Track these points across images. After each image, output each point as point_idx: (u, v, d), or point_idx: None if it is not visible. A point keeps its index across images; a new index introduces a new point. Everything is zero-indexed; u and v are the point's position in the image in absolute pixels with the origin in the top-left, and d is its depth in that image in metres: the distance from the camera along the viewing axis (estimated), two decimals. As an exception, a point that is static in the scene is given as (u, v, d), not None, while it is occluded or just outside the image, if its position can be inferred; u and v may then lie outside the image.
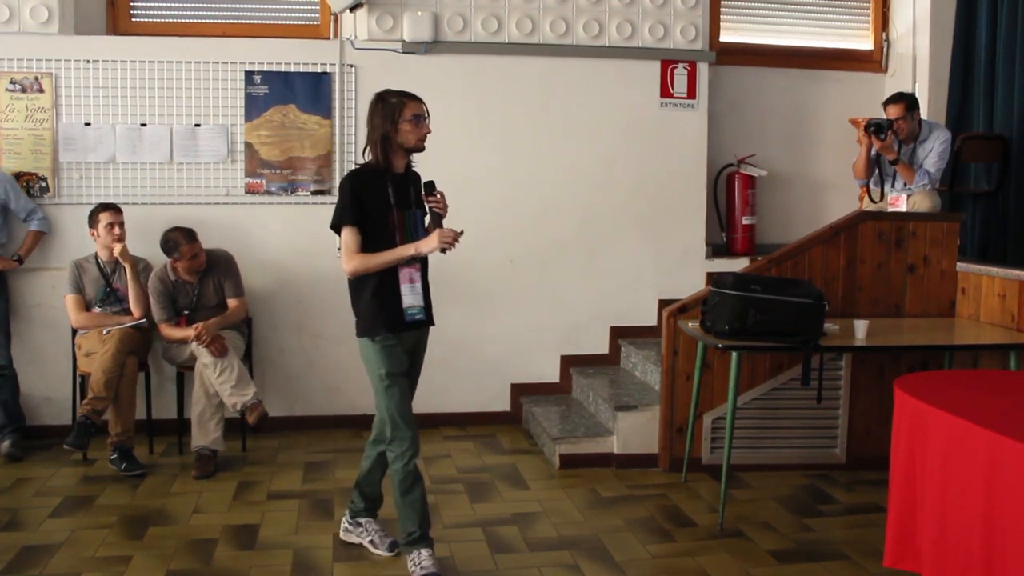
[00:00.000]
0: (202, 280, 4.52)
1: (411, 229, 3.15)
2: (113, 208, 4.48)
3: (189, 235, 4.43)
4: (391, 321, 3.11)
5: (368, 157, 3.16)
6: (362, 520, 3.41)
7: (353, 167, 3.25)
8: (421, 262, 3.18)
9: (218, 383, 4.20)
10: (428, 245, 3.07)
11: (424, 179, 3.21)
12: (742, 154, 5.54)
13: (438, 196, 3.15)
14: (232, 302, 4.56)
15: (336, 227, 3.16)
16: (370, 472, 3.39)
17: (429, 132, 3.14)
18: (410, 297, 3.13)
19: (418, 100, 3.13)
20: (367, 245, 3.10)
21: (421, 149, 3.15)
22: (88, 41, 4.77)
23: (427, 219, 3.23)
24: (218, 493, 3.97)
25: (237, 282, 4.62)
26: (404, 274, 3.12)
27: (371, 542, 3.34)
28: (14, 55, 4.68)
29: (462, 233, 3.07)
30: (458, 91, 4.99)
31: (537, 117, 5.12)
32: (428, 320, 3.23)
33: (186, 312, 4.46)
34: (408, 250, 3.09)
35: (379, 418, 3.27)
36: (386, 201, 3.11)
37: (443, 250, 3.06)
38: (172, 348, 4.47)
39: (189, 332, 4.32)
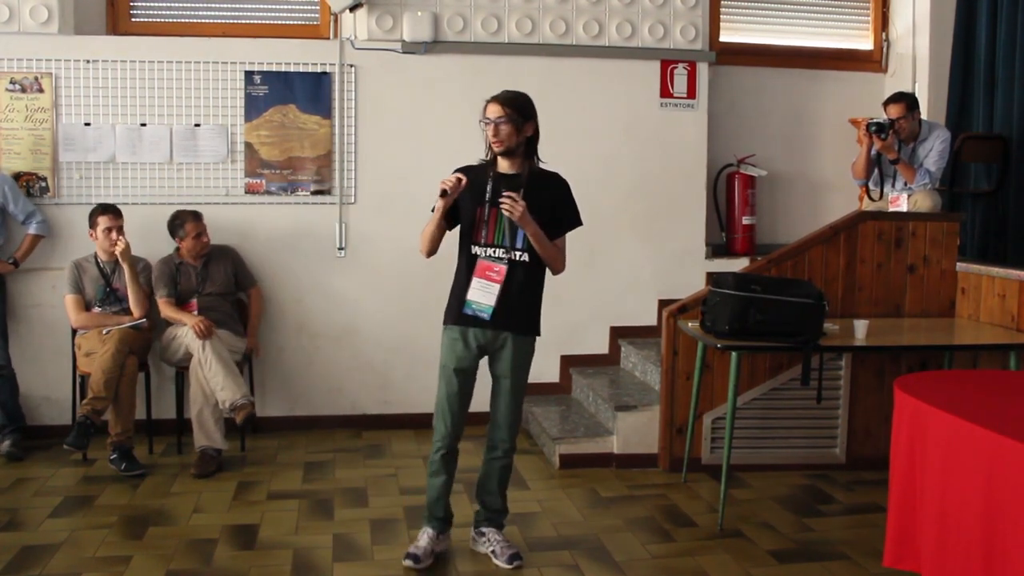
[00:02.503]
0: (207, 265, 4.59)
1: (503, 227, 3.13)
2: (112, 212, 4.45)
3: (195, 215, 4.57)
4: (455, 312, 3.18)
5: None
6: (485, 530, 3.34)
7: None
8: (509, 265, 3.12)
9: (210, 377, 4.20)
10: (439, 200, 3.09)
11: (566, 184, 3.22)
12: (742, 154, 5.54)
13: (508, 196, 3.04)
14: (253, 292, 4.80)
15: None
16: (486, 479, 3.35)
17: (497, 135, 3.09)
18: (477, 292, 3.13)
19: (495, 101, 3.11)
20: (460, 234, 3.22)
21: (497, 152, 3.14)
22: (88, 41, 4.77)
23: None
24: (218, 493, 3.97)
25: (248, 272, 4.80)
26: (480, 268, 3.14)
27: (492, 552, 3.27)
28: (14, 55, 4.68)
29: (460, 181, 3.07)
30: (458, 91, 4.99)
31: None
32: (500, 324, 3.14)
33: (196, 297, 4.50)
34: (435, 212, 3.13)
35: (490, 423, 3.31)
36: (481, 196, 3.15)
37: (443, 192, 3.06)
38: (168, 347, 4.46)
39: (185, 316, 4.35)
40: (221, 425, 4.28)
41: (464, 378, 3.23)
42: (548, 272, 3.27)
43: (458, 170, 3.18)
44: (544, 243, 3.13)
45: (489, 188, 3.14)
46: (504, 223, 3.12)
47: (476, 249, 3.17)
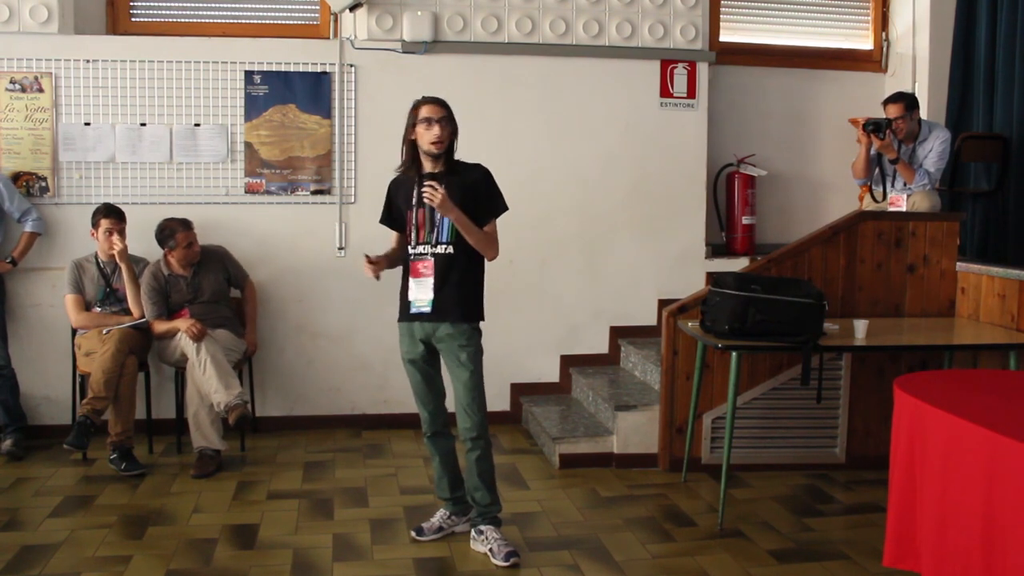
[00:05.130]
0: (197, 274, 4.54)
1: (433, 225, 3.27)
2: (115, 216, 4.44)
3: (185, 224, 4.48)
4: (402, 310, 3.37)
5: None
6: (483, 528, 3.37)
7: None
8: (435, 258, 3.27)
9: (205, 379, 4.19)
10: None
11: (486, 172, 3.33)
12: (742, 154, 5.54)
13: (428, 184, 3.16)
14: (247, 287, 4.77)
15: None
16: (468, 474, 3.41)
17: (438, 135, 3.19)
18: (416, 291, 3.30)
19: (432, 103, 3.23)
20: (400, 240, 3.43)
21: (432, 153, 3.22)
22: (88, 41, 4.77)
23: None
24: (218, 493, 3.97)
25: (240, 269, 4.76)
26: (414, 268, 3.30)
27: (490, 550, 3.29)
28: (14, 55, 4.68)
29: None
30: (458, 91, 4.91)
31: (537, 117, 5.12)
32: (437, 315, 3.27)
33: (187, 304, 4.47)
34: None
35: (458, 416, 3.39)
36: (409, 201, 3.31)
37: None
38: (166, 349, 4.45)
39: (176, 324, 4.33)
40: (218, 426, 4.27)
41: (417, 367, 3.38)
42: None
43: (391, 184, 3.39)
44: (470, 229, 3.24)
45: (416, 191, 3.27)
46: (430, 221, 3.26)
47: (410, 250, 3.33)
